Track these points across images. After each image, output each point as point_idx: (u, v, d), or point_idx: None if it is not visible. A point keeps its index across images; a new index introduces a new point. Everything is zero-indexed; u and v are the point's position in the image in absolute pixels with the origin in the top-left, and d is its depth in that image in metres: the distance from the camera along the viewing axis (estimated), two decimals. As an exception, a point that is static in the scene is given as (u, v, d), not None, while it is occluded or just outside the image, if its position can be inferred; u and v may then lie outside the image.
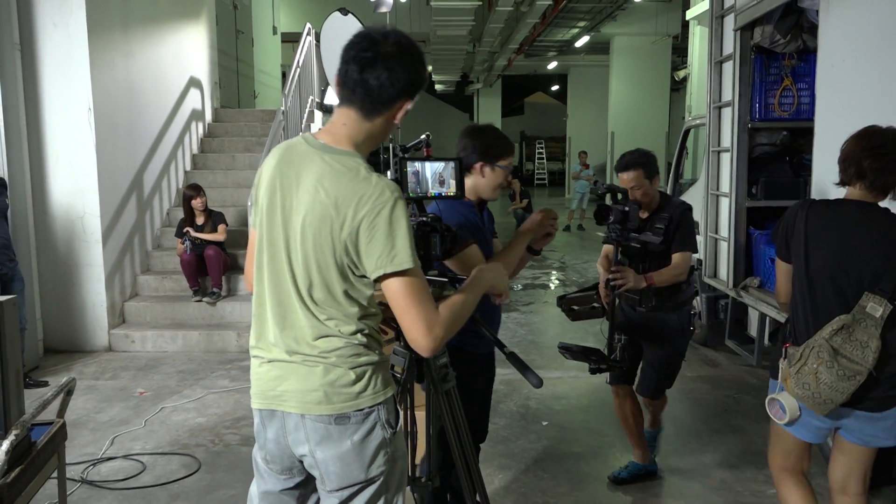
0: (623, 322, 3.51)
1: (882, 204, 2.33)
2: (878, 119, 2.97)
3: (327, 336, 1.65)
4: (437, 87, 26.90)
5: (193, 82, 7.90)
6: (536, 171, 29.56)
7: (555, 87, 30.67)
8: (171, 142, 7.27)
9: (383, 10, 8.69)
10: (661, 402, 3.71)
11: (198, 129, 8.09)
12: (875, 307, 2.18)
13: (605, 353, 3.23)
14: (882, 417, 2.27)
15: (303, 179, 1.63)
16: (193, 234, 6.23)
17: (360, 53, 1.61)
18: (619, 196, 3.31)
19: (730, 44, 4.79)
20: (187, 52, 7.82)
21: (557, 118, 28.27)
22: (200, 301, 6.27)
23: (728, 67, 4.86)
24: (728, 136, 4.87)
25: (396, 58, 1.61)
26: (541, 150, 29.66)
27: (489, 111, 28.40)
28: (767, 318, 4.48)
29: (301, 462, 1.73)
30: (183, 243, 6.19)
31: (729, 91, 4.83)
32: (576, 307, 3.46)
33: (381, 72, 1.60)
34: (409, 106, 1.69)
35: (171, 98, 7.33)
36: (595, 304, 3.42)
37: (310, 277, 1.63)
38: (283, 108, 7.10)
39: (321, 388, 1.64)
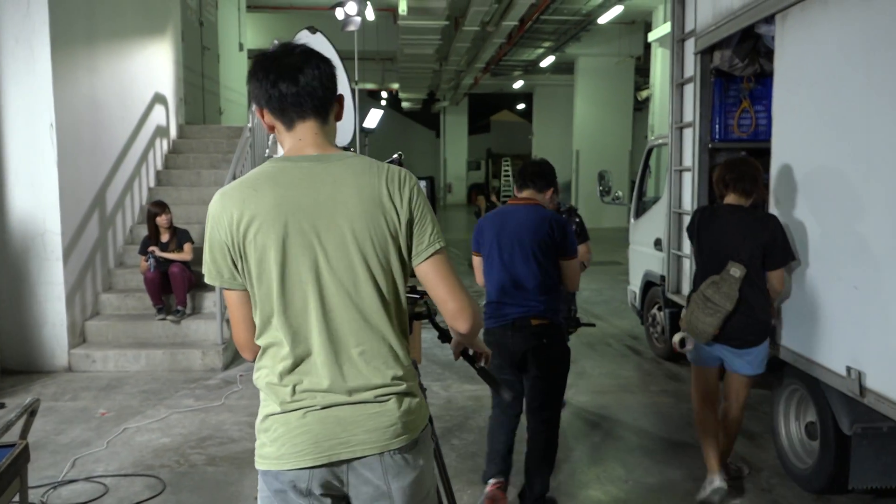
0: None
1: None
2: (829, 139, 3.23)
3: (396, 363, 1.58)
4: (404, 104, 27.06)
5: (158, 98, 7.83)
6: (503, 188, 29.81)
7: (521, 106, 31.06)
8: (135, 158, 7.18)
9: (351, 28, 8.73)
10: None
11: (162, 146, 8.01)
12: (735, 270, 3.27)
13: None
14: (743, 353, 3.43)
15: (332, 192, 1.53)
16: (159, 253, 6.14)
17: (283, 69, 1.56)
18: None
19: (690, 67, 4.94)
20: (152, 68, 7.76)
21: (523, 136, 28.60)
22: (164, 319, 6.17)
23: (689, 89, 5.01)
24: (689, 156, 5.01)
25: (313, 58, 1.60)
26: (507, 168, 29.95)
27: (456, 129, 28.66)
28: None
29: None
30: (147, 261, 6.10)
31: (690, 112, 4.97)
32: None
33: (314, 71, 1.58)
34: (343, 100, 1.69)
35: (135, 114, 7.25)
36: None
37: (379, 290, 1.55)
38: (249, 125, 7.08)
39: (398, 422, 1.56)
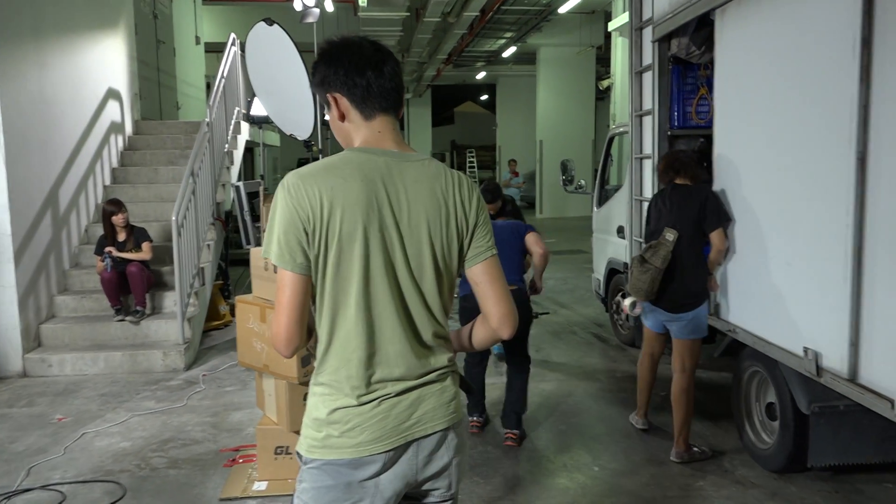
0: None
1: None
2: (758, 128, 3.64)
3: (447, 345, 1.69)
4: (367, 97, 26.79)
5: (112, 94, 7.63)
6: (468, 180, 29.81)
7: (484, 97, 31.08)
8: (88, 155, 6.99)
9: (310, 20, 8.61)
10: None
11: (118, 142, 7.81)
12: (669, 234, 3.76)
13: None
14: (677, 318, 3.84)
15: (411, 191, 1.59)
16: (116, 253, 5.99)
17: (368, 59, 1.60)
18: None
19: (649, 55, 4.97)
20: (105, 62, 7.54)
21: (487, 127, 28.63)
22: (123, 320, 6.03)
23: (648, 77, 5.03)
24: (649, 144, 5.04)
25: (390, 53, 1.65)
26: (471, 159, 29.94)
27: (419, 121, 28.50)
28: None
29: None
30: (102, 261, 5.94)
31: (649, 100, 5.00)
32: None
33: (395, 67, 1.63)
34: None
35: (88, 110, 7.05)
36: None
37: (439, 286, 1.63)
38: (207, 120, 6.94)
39: (456, 397, 1.69)
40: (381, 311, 1.58)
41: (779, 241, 3.41)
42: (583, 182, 7.33)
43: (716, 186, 3.99)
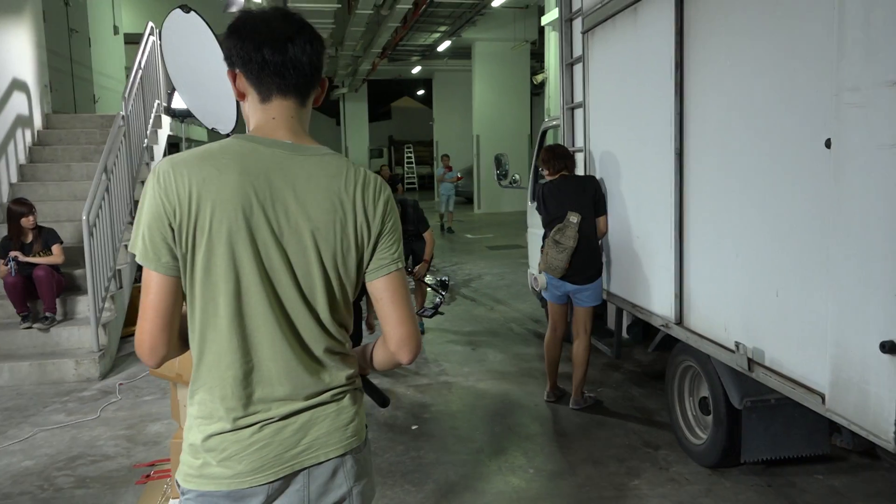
0: None
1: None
2: (619, 127, 4.41)
3: (347, 360, 1.50)
4: (302, 91, 26.22)
5: (17, 85, 7.12)
6: (406, 176, 29.61)
7: (421, 92, 30.92)
8: (-10, 151, 6.50)
9: (234, 9, 8.28)
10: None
11: (25, 137, 7.30)
12: (573, 217, 4.26)
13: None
14: (584, 289, 4.35)
15: (301, 189, 1.38)
16: (23, 258, 5.56)
17: (271, 34, 1.39)
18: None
19: (579, 46, 4.90)
20: (7, 51, 7.03)
21: (424, 122, 28.48)
22: (31, 328, 5.61)
23: (578, 70, 4.97)
24: (581, 136, 4.98)
25: (309, 29, 1.43)
26: (409, 155, 29.75)
27: (356, 116, 28.11)
28: (624, 312, 4.60)
29: None
30: (6, 264, 5.51)
31: (580, 92, 4.94)
32: None
33: (305, 45, 1.41)
34: (326, 85, 1.51)
35: (-12, 102, 6.55)
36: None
37: (331, 298, 1.43)
38: (122, 113, 6.55)
39: (356, 418, 1.49)
40: (259, 324, 1.38)
41: (633, 219, 4.22)
42: (517, 176, 7.24)
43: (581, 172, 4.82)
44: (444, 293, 6.16)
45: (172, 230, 1.33)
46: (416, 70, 23.02)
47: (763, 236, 2.91)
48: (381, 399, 1.79)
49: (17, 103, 7.14)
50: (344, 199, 1.42)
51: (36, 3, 7.74)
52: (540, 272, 4.52)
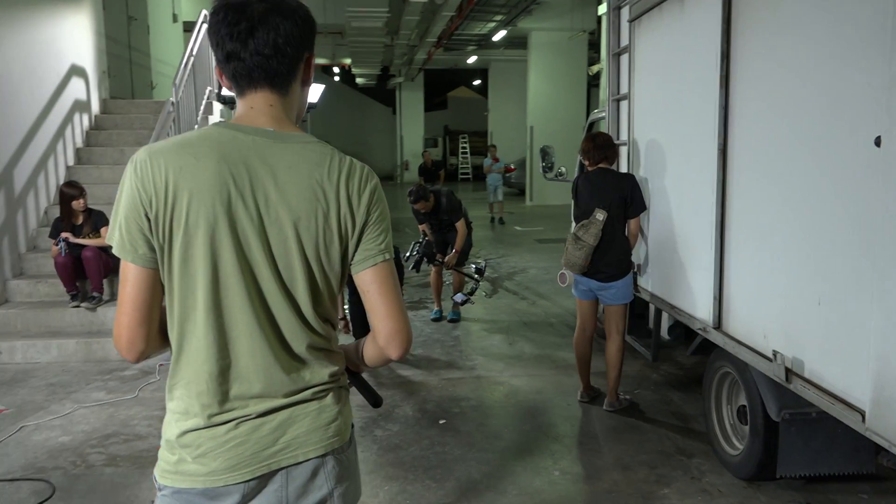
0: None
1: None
2: (667, 103, 4.19)
3: (331, 357, 1.44)
4: (358, 80, 26.41)
5: (76, 70, 7.33)
6: (460, 166, 29.51)
7: (477, 82, 30.71)
8: (48, 134, 6.71)
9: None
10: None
11: (82, 121, 7.52)
12: (599, 214, 4.13)
13: None
14: (609, 287, 4.22)
15: (282, 178, 1.33)
16: (73, 240, 5.73)
17: (233, 29, 1.32)
18: None
19: (626, 36, 4.72)
20: (67, 38, 7.24)
21: (480, 113, 28.28)
22: (79, 306, 5.79)
23: (625, 60, 4.79)
24: (626, 129, 4.81)
25: (274, 13, 1.33)
26: (464, 145, 29.61)
27: (412, 105, 28.14)
28: (664, 312, 4.43)
29: None
30: (57, 244, 5.69)
31: (626, 84, 4.76)
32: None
33: (269, 33, 1.33)
34: (314, 60, 1.44)
35: (47, 87, 6.76)
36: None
37: (314, 292, 1.38)
38: (173, 99, 6.67)
39: (339, 417, 1.43)
40: (237, 318, 1.33)
41: (674, 217, 4.06)
42: (563, 169, 7.07)
43: (638, 174, 4.49)
44: (478, 279, 6.46)
45: (149, 220, 1.29)
46: (471, 60, 22.87)
47: (807, 240, 2.72)
48: (374, 399, 1.72)
49: (76, 88, 7.35)
50: (327, 188, 1.36)
51: (96, -8, 7.95)
52: (563, 268, 4.43)
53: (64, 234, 5.72)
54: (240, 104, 1.41)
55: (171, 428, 1.37)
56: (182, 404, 1.36)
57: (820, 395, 2.60)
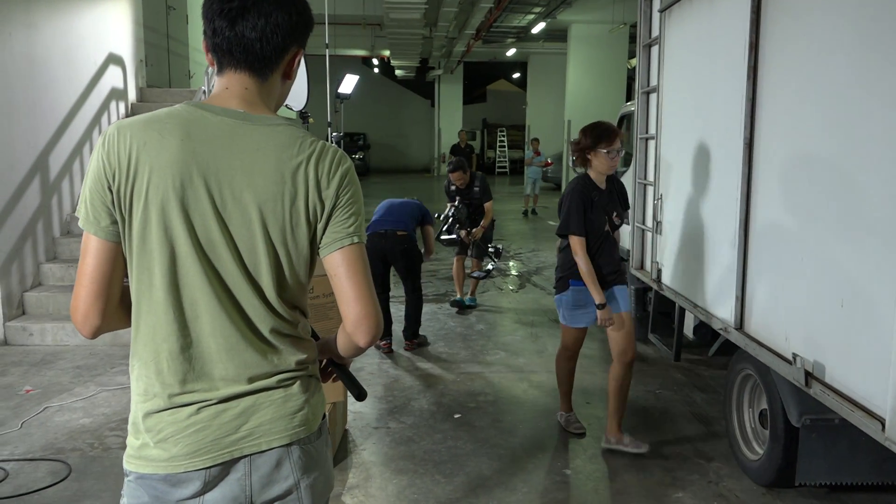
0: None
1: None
2: (695, 95, 4.03)
3: (300, 344, 1.41)
4: (398, 72, 26.44)
5: (113, 59, 7.46)
6: (498, 160, 29.35)
7: (516, 75, 30.47)
8: (84, 121, 6.84)
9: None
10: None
11: (119, 109, 7.65)
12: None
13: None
14: (622, 289, 3.82)
15: (248, 160, 1.31)
16: None
17: (224, 5, 1.32)
18: None
19: (657, 26, 4.59)
20: (105, 26, 7.36)
21: (519, 106, 28.06)
22: (108, 291, 5.89)
23: (656, 52, 4.66)
24: (654, 123, 4.68)
25: (266, 1, 1.33)
26: (503, 139, 29.44)
27: (451, 98, 28.05)
28: (686, 312, 4.31)
29: None
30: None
31: (656, 76, 4.63)
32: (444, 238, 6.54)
33: (257, 20, 1.32)
34: (300, 56, 1.41)
35: (84, 75, 6.89)
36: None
37: (279, 275, 1.35)
38: (204, 88, 6.74)
39: (306, 406, 1.40)
40: (197, 297, 1.32)
41: (698, 213, 3.90)
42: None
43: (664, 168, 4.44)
44: (496, 259, 7.04)
45: (112, 193, 1.29)
46: (510, 52, 22.68)
47: (832, 239, 2.60)
48: (358, 391, 1.69)
49: (114, 76, 7.48)
50: (295, 171, 1.33)
51: (135, -19, 8.08)
52: None
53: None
54: (217, 83, 1.39)
55: (135, 411, 1.36)
56: (142, 384, 1.35)
57: (840, 401, 2.48)
